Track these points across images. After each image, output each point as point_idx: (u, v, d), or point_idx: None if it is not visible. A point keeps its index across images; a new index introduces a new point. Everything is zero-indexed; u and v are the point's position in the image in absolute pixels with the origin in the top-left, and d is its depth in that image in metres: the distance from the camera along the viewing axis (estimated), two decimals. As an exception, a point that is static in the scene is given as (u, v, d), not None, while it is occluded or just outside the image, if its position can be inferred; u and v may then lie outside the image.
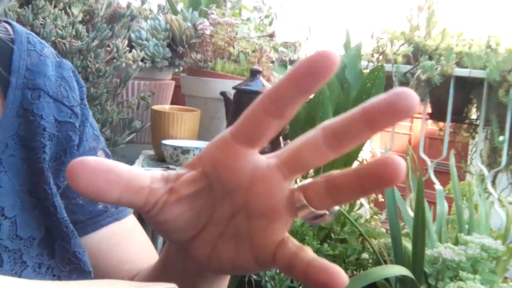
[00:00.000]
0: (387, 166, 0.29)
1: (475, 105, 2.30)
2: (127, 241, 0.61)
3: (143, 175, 0.32)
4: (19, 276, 0.49)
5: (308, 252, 0.32)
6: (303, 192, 0.32)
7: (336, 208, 0.33)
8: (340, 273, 0.30)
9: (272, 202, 0.33)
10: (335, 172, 0.31)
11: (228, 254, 0.34)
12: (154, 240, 2.03)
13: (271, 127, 0.31)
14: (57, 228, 0.52)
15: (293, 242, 0.33)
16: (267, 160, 0.33)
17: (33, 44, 0.57)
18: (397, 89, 0.29)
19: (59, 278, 0.51)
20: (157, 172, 0.33)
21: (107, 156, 0.62)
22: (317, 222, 0.33)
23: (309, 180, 0.33)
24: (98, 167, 0.29)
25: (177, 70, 1.84)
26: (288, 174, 0.32)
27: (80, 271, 0.53)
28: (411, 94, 0.28)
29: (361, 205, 2.38)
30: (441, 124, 2.44)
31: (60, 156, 0.55)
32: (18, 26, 0.57)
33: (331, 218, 0.33)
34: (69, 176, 0.29)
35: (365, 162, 2.50)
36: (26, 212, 0.51)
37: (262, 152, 1.11)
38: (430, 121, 2.54)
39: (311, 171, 2.23)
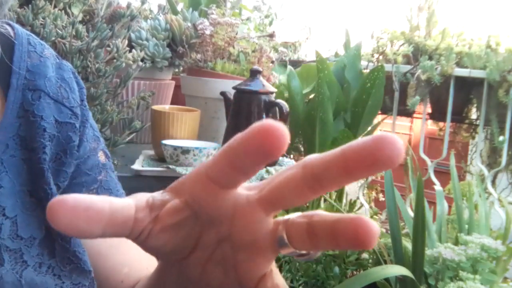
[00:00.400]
0: (360, 228, 0.28)
1: (475, 105, 2.30)
2: (127, 244, 0.61)
3: (127, 206, 0.30)
4: (20, 276, 0.49)
5: (321, 218, 0.30)
6: (286, 229, 0.31)
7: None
8: None
9: (254, 237, 0.32)
10: (317, 214, 0.30)
11: (217, 277, 0.34)
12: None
13: (238, 181, 0.30)
14: None
15: (273, 281, 0.32)
16: (247, 194, 0.31)
17: (33, 46, 0.57)
18: (381, 136, 0.26)
19: (59, 277, 0.52)
20: (143, 198, 0.32)
21: (106, 157, 0.62)
22: (301, 259, 0.32)
23: (295, 214, 0.31)
24: (78, 205, 0.28)
25: (177, 70, 1.84)
26: (269, 209, 0.31)
27: (80, 271, 0.53)
28: (396, 143, 0.26)
29: (361, 205, 2.38)
30: (441, 124, 2.44)
31: (60, 157, 0.55)
32: (18, 28, 0.58)
33: (316, 256, 0.32)
34: (49, 216, 0.27)
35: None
36: (26, 212, 0.51)
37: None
38: (430, 121, 2.54)
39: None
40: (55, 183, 0.54)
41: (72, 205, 0.28)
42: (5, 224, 0.50)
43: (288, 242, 0.31)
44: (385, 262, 1.72)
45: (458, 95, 2.19)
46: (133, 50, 1.43)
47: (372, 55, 2.32)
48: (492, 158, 2.26)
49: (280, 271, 1.90)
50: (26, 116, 0.53)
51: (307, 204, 2.22)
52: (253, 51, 1.57)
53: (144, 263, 0.61)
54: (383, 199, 1.84)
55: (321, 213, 0.30)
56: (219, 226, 0.32)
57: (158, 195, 0.33)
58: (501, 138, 2.06)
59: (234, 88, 1.38)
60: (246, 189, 0.32)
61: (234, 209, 0.31)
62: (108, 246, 0.59)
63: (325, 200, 2.25)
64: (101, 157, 0.61)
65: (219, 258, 0.33)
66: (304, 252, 0.32)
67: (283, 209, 0.31)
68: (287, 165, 1.42)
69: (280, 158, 1.40)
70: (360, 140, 0.27)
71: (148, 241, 0.32)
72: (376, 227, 0.28)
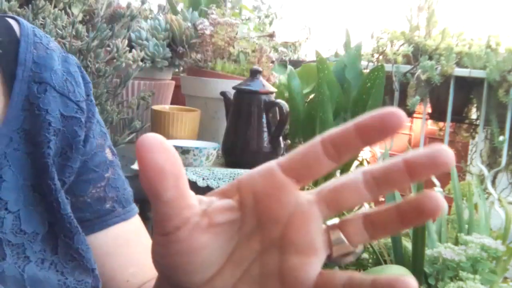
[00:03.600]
0: (428, 201, 0.30)
1: (475, 105, 2.30)
2: (133, 243, 0.61)
3: (187, 191, 0.31)
4: (23, 271, 0.48)
5: (362, 276, 0.32)
6: (341, 227, 0.33)
7: (361, 247, 0.33)
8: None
9: (309, 238, 0.32)
10: (372, 209, 0.32)
11: None
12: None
13: (325, 168, 0.32)
14: (60, 224, 0.52)
15: (340, 273, 0.32)
16: (307, 196, 0.32)
17: (39, 37, 0.56)
18: (439, 149, 0.30)
19: (62, 274, 0.51)
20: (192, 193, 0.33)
21: (113, 154, 0.61)
22: (346, 260, 0.33)
23: (349, 215, 0.33)
24: (164, 146, 0.30)
25: (177, 70, 1.83)
26: (326, 211, 0.32)
27: (83, 268, 0.53)
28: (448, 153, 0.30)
29: (361, 205, 2.38)
30: (441, 124, 2.44)
31: (65, 152, 0.54)
32: (23, 21, 0.57)
33: (359, 253, 0.34)
34: (139, 144, 0.29)
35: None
36: (29, 207, 0.51)
37: (263, 152, 1.13)
38: (430, 121, 2.54)
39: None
40: (59, 178, 0.53)
41: (160, 143, 0.29)
42: (7, 218, 0.49)
43: (344, 239, 0.32)
44: (385, 262, 1.72)
45: (458, 95, 2.19)
46: (133, 50, 1.43)
47: (372, 55, 2.32)
48: (492, 158, 2.26)
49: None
50: (31, 109, 0.52)
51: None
52: (253, 51, 1.57)
53: (149, 265, 0.61)
54: (383, 199, 1.84)
55: (374, 208, 0.32)
56: (267, 230, 0.32)
57: (204, 197, 0.33)
58: (501, 138, 2.06)
59: (234, 88, 1.38)
60: (305, 193, 0.33)
61: (295, 208, 0.32)
62: (115, 245, 0.59)
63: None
64: (108, 154, 0.60)
65: (255, 273, 0.33)
66: (354, 249, 0.33)
67: (340, 211, 0.32)
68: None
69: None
70: (417, 151, 0.30)
71: (188, 239, 0.31)
72: (442, 199, 0.30)
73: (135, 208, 0.62)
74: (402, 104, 2.31)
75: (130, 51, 1.40)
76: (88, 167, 0.57)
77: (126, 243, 0.60)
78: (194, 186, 1.23)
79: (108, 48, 1.37)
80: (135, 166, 1.29)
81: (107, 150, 0.60)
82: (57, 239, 0.52)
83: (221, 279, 0.32)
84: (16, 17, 0.57)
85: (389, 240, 1.76)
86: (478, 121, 2.25)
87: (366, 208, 2.38)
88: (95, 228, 0.57)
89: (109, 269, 0.58)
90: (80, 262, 0.53)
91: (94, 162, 0.58)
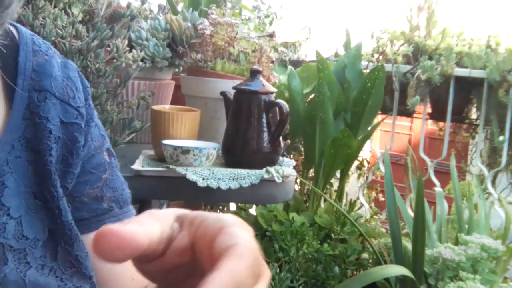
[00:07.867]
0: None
1: (475, 105, 2.30)
2: None
3: (155, 241, 0.30)
4: (24, 276, 0.49)
5: None
6: None
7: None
8: None
9: None
10: None
11: None
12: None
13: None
14: (61, 231, 0.53)
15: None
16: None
17: (38, 45, 0.57)
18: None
19: (61, 280, 0.52)
20: (166, 228, 0.31)
21: (111, 155, 0.62)
22: None
23: None
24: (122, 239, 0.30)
25: (177, 70, 1.84)
26: None
27: (80, 275, 0.53)
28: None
29: (361, 205, 2.38)
30: (441, 124, 2.44)
31: (66, 158, 0.55)
32: (22, 28, 0.57)
33: None
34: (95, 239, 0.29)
35: (365, 161, 2.50)
36: (30, 214, 0.51)
37: (263, 152, 1.13)
38: (430, 121, 2.54)
39: (311, 171, 2.23)
40: (62, 185, 0.54)
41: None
42: (9, 224, 0.49)
43: None
44: (385, 262, 1.72)
45: (458, 95, 2.19)
46: (133, 50, 1.43)
47: (372, 55, 2.32)
48: (492, 158, 2.26)
49: (280, 271, 1.90)
50: (32, 117, 0.53)
51: (307, 204, 2.22)
52: (253, 51, 1.56)
53: None
54: (383, 199, 1.84)
55: None
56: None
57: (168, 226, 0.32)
58: (501, 138, 2.06)
59: (234, 88, 1.38)
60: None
61: None
62: None
63: (325, 200, 2.25)
64: (106, 155, 0.61)
65: None
66: None
67: None
68: (287, 165, 1.42)
69: (280, 158, 1.40)
70: None
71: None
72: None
73: (132, 210, 0.63)
74: (402, 104, 2.31)
75: (130, 51, 1.40)
76: (85, 169, 0.58)
77: None
78: (194, 186, 1.23)
79: (108, 48, 1.36)
80: (135, 166, 1.29)
81: (105, 152, 0.61)
82: (57, 246, 0.52)
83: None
84: (16, 24, 0.57)
85: (389, 240, 1.76)
86: (478, 121, 2.25)
87: (366, 207, 2.38)
88: (92, 227, 0.58)
89: (111, 268, 0.58)
90: (79, 269, 0.53)
91: (91, 164, 0.58)
